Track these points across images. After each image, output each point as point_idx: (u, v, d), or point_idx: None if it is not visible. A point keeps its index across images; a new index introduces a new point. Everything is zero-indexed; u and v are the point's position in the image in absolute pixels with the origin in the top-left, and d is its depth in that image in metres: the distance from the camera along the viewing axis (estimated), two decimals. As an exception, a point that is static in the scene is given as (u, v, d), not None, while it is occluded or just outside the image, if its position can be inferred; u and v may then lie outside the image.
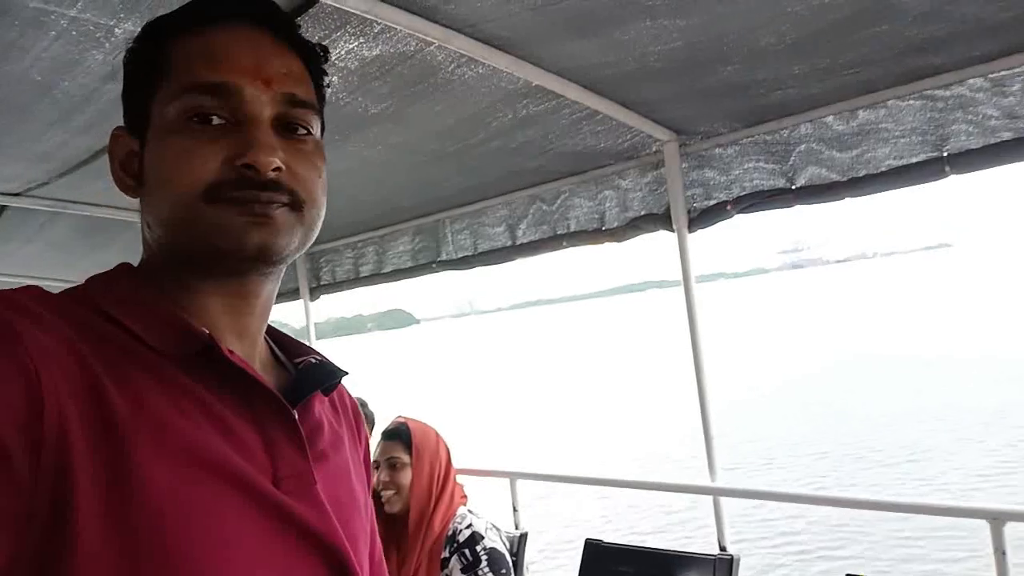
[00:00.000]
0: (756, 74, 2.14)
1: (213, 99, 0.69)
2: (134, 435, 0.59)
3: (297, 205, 0.71)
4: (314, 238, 0.76)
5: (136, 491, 0.59)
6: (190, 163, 0.68)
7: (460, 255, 3.37)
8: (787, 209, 2.52)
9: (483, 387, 25.88)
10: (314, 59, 0.79)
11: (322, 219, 0.76)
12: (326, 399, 0.84)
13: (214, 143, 0.68)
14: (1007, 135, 1.97)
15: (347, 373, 0.85)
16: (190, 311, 0.72)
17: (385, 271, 3.75)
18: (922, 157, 2.11)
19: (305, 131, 0.74)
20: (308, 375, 0.81)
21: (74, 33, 1.69)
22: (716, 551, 2.46)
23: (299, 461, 0.71)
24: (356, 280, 3.90)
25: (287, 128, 0.72)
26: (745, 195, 2.51)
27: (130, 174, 0.75)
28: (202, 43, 0.71)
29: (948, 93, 2.04)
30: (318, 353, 0.86)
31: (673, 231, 2.62)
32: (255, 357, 0.78)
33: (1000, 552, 1.96)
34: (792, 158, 2.39)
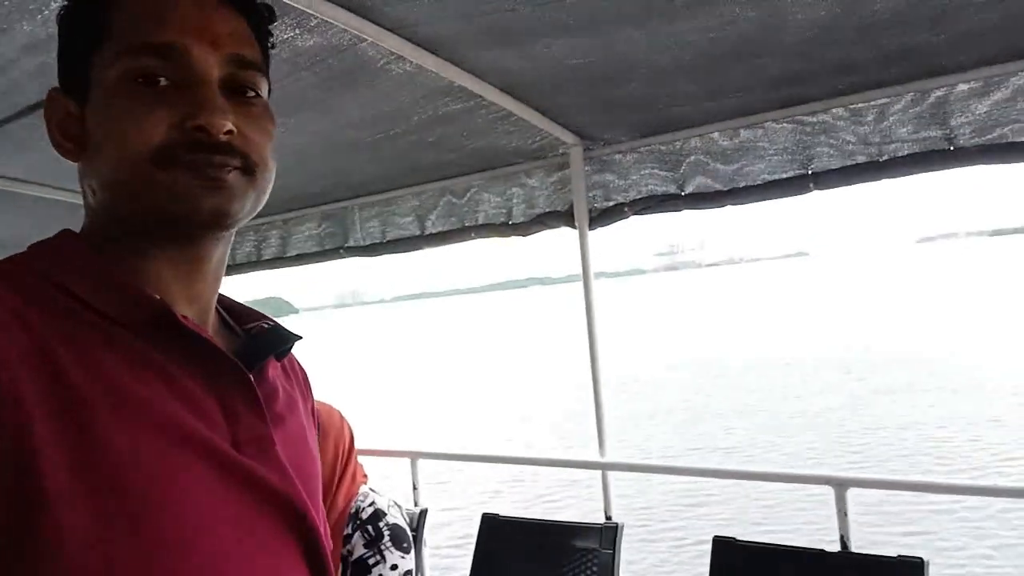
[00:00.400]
0: (655, 91, 2.38)
1: (159, 60, 0.67)
2: (92, 402, 0.59)
3: (249, 169, 0.69)
4: (264, 202, 0.75)
5: (99, 458, 0.58)
6: (138, 125, 0.65)
7: (368, 242, 3.45)
8: (676, 212, 2.80)
9: (371, 375, 25.62)
10: (260, 20, 0.77)
11: (272, 183, 0.74)
12: (278, 364, 0.84)
13: (161, 104, 0.66)
14: (862, 158, 2.32)
15: (300, 337, 0.85)
16: (140, 277, 0.70)
17: (289, 255, 3.77)
18: (791, 173, 2.43)
19: (253, 93, 0.72)
20: (261, 340, 0.81)
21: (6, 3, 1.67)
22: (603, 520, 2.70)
23: (258, 424, 0.70)
24: (258, 263, 3.89)
25: (235, 90, 0.70)
26: (640, 198, 2.76)
27: (69, 137, 0.71)
28: (147, 2, 0.69)
29: (815, 119, 2.36)
30: (269, 319, 0.84)
31: (575, 228, 2.84)
32: (208, 323, 0.76)
33: (843, 513, 2.31)
34: (683, 167, 2.67)
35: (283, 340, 0.82)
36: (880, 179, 2.32)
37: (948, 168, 2.18)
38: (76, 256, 0.69)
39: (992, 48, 2.03)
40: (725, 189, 2.57)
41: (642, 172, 2.76)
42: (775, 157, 2.45)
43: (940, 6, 1.80)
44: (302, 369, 0.92)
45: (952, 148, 2.14)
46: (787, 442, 10.53)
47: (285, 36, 1.95)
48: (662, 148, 2.70)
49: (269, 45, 0.78)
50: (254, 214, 0.73)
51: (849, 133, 2.30)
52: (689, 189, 2.65)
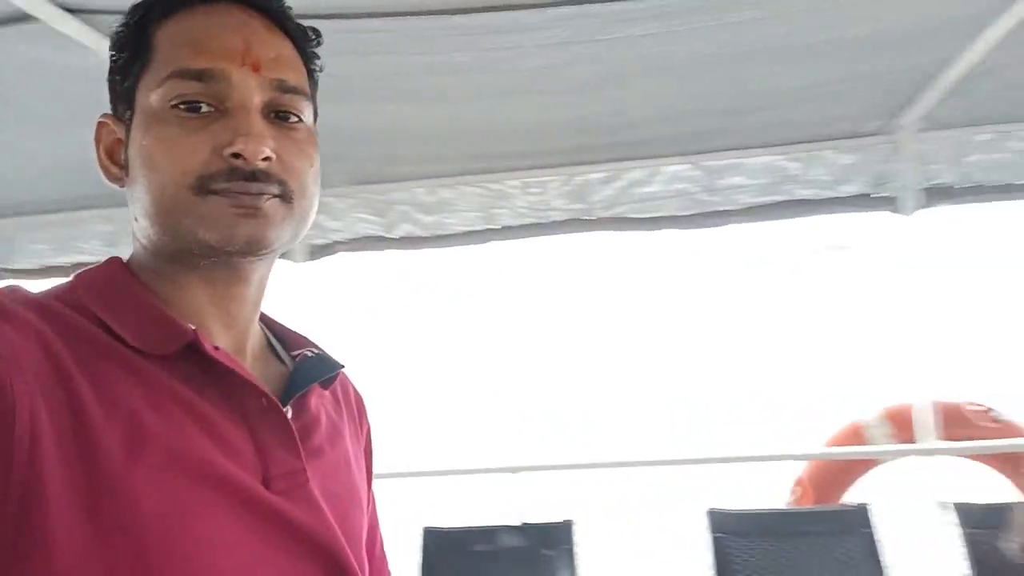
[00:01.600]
0: (371, 149, 2.82)
1: (199, 85, 0.65)
2: (108, 442, 0.57)
3: (287, 196, 0.67)
4: (307, 229, 0.73)
5: (112, 501, 0.56)
6: (176, 153, 0.64)
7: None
8: (383, 252, 3.25)
9: None
10: (305, 42, 0.74)
11: (315, 210, 0.72)
12: (325, 392, 0.81)
13: (201, 132, 0.65)
14: (531, 220, 3.01)
15: (343, 366, 0.82)
16: (177, 304, 0.69)
17: None
18: (480, 227, 3.03)
19: (296, 118, 0.70)
20: (304, 369, 0.77)
21: None
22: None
23: (291, 459, 0.68)
24: None
25: (277, 115, 0.69)
26: (353, 239, 3.16)
27: (116, 163, 0.71)
28: (187, 26, 0.68)
29: (497, 187, 3.00)
30: (315, 345, 0.82)
31: (296, 262, 3.14)
32: (246, 348, 0.74)
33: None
34: (390, 215, 3.13)
35: (327, 368, 0.80)
36: (542, 236, 3.04)
37: (585, 232, 2.96)
38: (114, 285, 0.69)
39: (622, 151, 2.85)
40: (428, 235, 3.09)
41: (353, 216, 3.16)
42: (468, 213, 3.03)
43: (583, 122, 2.53)
44: (357, 394, 0.89)
45: (589, 219, 2.93)
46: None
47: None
48: (373, 197, 3.13)
49: (316, 68, 0.76)
50: (295, 242, 0.72)
51: (521, 200, 2.98)
52: (397, 234, 3.13)
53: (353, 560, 0.70)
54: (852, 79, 2.22)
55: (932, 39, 1.99)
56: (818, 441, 4.20)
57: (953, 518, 2.22)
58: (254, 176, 0.65)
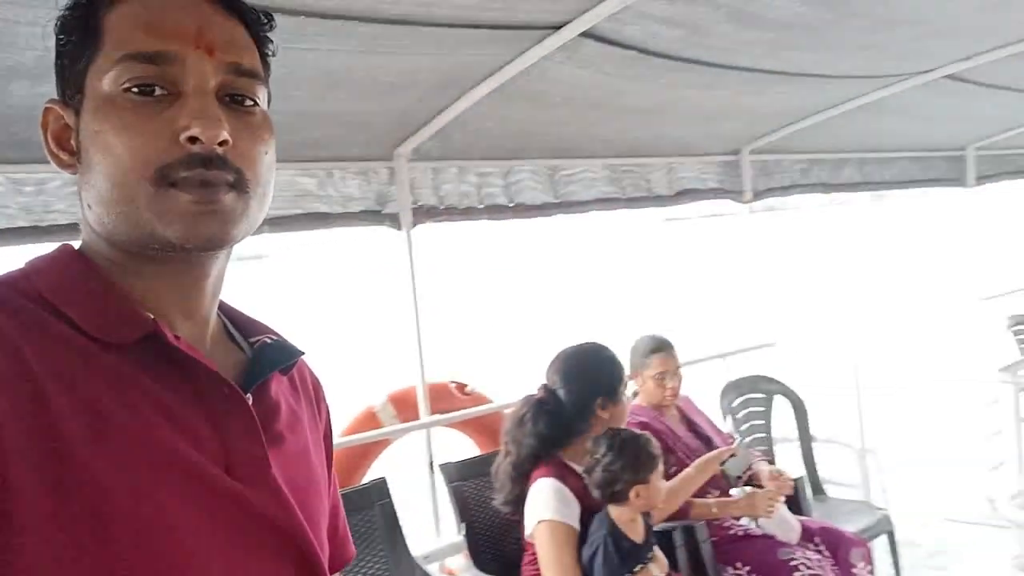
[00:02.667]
0: None
1: (153, 68, 0.64)
2: (74, 433, 0.58)
3: (243, 185, 0.67)
4: (260, 220, 0.71)
5: (77, 486, 0.57)
6: (133, 140, 0.63)
7: None
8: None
9: None
10: (259, 26, 0.73)
11: (270, 198, 0.72)
12: (283, 378, 0.80)
13: (156, 117, 0.64)
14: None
15: (303, 353, 0.81)
16: (135, 294, 0.68)
17: None
18: None
19: (252, 102, 0.69)
20: (264, 356, 0.77)
21: None
22: None
23: (253, 446, 0.69)
24: None
25: (233, 99, 0.68)
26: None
27: (66, 149, 0.69)
28: (140, 9, 0.66)
29: None
30: (274, 331, 0.81)
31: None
32: (206, 338, 0.74)
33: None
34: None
35: (287, 355, 0.79)
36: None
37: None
38: (70, 274, 0.67)
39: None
40: None
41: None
42: None
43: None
44: (314, 378, 0.88)
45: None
46: None
47: None
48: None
49: (270, 52, 0.75)
50: (250, 232, 0.71)
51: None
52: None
53: (316, 546, 0.71)
54: (367, 113, 2.59)
55: (430, 93, 2.50)
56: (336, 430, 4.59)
57: (440, 477, 2.72)
58: (211, 162, 0.64)
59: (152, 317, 0.66)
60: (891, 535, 3.24)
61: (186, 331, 0.71)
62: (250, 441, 0.69)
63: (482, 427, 4.31)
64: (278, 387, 0.78)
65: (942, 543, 4.02)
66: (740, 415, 3.89)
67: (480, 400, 4.38)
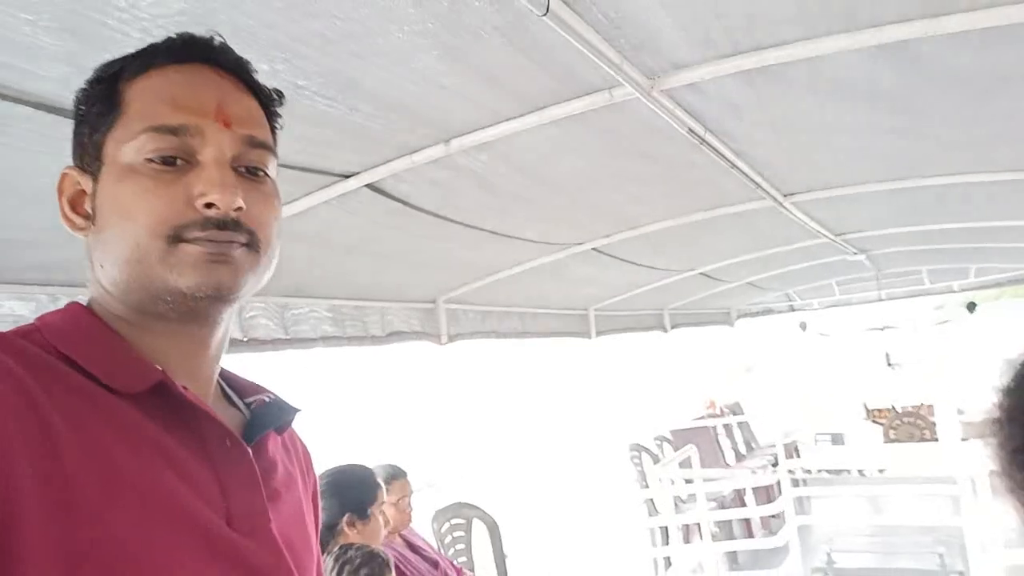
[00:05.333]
0: None
1: (175, 139, 0.69)
2: (84, 479, 0.59)
3: (255, 245, 0.71)
4: (266, 279, 0.75)
5: (85, 534, 0.57)
6: (152, 204, 0.67)
7: None
8: None
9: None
10: (270, 102, 0.78)
11: (276, 260, 0.76)
12: (278, 439, 0.83)
13: (175, 184, 0.68)
14: None
15: (299, 410, 0.83)
16: (143, 350, 0.70)
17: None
18: None
19: (263, 172, 0.74)
20: (262, 414, 0.80)
21: None
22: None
23: (254, 499, 0.70)
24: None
25: (247, 170, 0.73)
26: None
27: (80, 213, 0.73)
28: (162, 83, 0.71)
29: None
30: (270, 392, 0.84)
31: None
32: (208, 396, 0.77)
33: None
34: None
35: (284, 413, 0.82)
36: None
37: None
38: (83, 328, 0.70)
39: None
40: None
41: None
42: None
43: None
44: (304, 446, 0.92)
45: None
46: None
47: None
48: None
49: (278, 126, 0.80)
50: (256, 290, 0.75)
51: None
52: None
53: None
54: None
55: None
56: None
57: None
58: (225, 225, 0.69)
59: (160, 368, 0.69)
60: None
61: (190, 387, 0.73)
62: (251, 494, 0.71)
63: None
64: (275, 446, 0.82)
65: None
66: (447, 539, 4.21)
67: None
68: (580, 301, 6.59)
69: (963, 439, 6.84)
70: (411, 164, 2.31)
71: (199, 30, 0.75)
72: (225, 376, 0.85)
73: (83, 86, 0.75)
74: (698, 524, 5.05)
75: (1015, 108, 2.22)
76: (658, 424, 7.39)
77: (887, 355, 13.86)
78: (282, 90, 0.83)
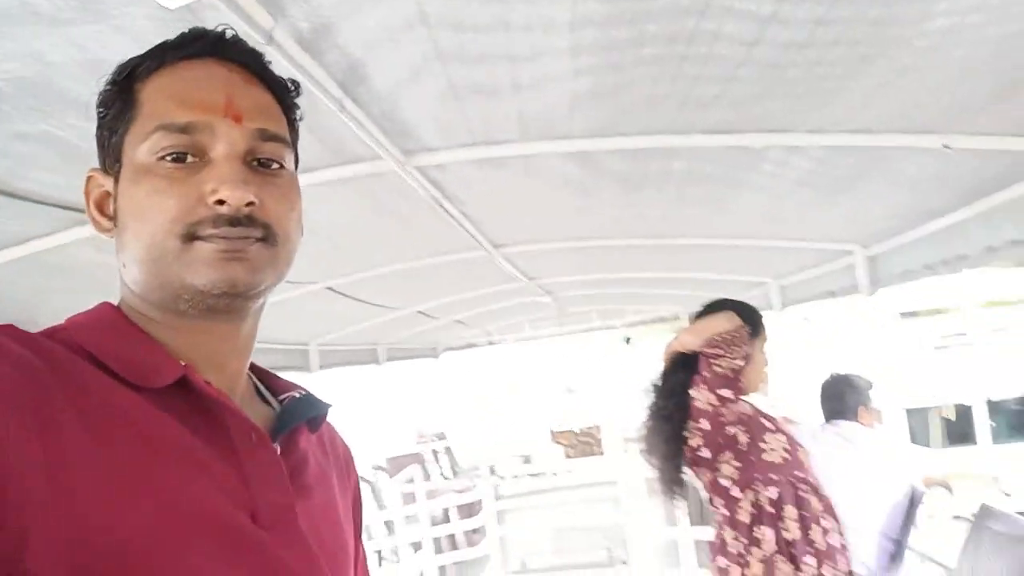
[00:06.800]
0: None
1: (185, 137, 0.68)
2: (96, 477, 0.56)
3: (271, 239, 0.69)
4: (287, 273, 0.73)
5: (98, 534, 0.55)
6: (164, 203, 0.67)
7: None
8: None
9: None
10: (284, 93, 0.75)
11: (295, 254, 0.74)
12: (313, 436, 0.81)
13: (187, 181, 0.67)
14: None
15: (331, 406, 0.82)
16: (168, 346, 0.69)
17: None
18: None
19: (278, 165, 0.72)
20: (292, 409, 0.78)
21: None
22: None
23: (280, 494, 0.68)
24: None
25: (260, 163, 0.71)
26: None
27: (105, 214, 0.73)
28: (171, 81, 0.70)
29: None
30: (302, 388, 0.82)
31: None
32: (236, 392, 0.75)
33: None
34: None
35: (314, 407, 0.80)
36: None
37: None
38: (106, 324, 0.70)
39: None
40: None
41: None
42: None
43: None
44: (345, 446, 0.89)
45: None
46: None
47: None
48: None
49: (297, 117, 0.78)
50: (277, 285, 0.74)
51: None
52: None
53: None
54: None
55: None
56: None
57: None
58: (238, 221, 0.68)
59: (183, 363, 0.68)
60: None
61: (215, 382, 0.71)
62: (277, 489, 0.68)
63: None
64: (307, 443, 0.79)
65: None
66: None
67: None
68: (304, 336, 6.75)
69: (624, 451, 8.30)
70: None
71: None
72: (260, 375, 0.85)
73: (102, 88, 0.74)
74: (420, 541, 5.54)
75: (654, 196, 3.14)
76: (373, 453, 7.76)
77: (567, 385, 15.91)
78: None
